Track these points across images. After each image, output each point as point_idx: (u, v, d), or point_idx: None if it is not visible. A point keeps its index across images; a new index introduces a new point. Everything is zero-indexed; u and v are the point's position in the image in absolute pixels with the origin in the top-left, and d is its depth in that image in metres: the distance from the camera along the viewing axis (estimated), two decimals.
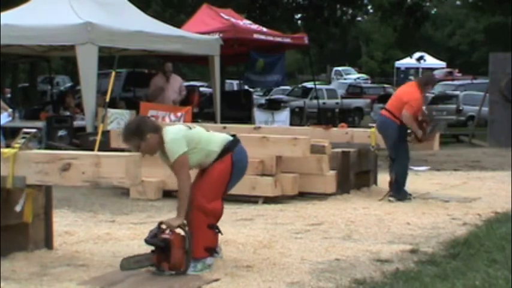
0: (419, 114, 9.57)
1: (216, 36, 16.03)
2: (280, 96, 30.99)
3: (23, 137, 5.74)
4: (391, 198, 9.49)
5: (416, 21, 28.14)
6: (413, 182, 10.39)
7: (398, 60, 51.12)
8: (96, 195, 9.60)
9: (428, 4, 31.28)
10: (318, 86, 27.04)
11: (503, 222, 7.79)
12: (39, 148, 9.72)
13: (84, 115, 13.06)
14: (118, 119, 12.46)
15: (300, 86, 37.44)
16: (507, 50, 23.35)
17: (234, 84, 28.82)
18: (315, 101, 24.15)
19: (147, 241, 5.47)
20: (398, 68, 51.30)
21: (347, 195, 9.81)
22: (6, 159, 5.57)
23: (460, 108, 26.11)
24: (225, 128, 10.56)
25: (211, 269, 5.62)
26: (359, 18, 47.55)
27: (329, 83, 44.53)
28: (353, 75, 51.00)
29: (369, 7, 35.66)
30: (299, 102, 28.76)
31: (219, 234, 5.86)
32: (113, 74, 13.41)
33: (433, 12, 43.77)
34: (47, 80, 25.45)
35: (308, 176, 9.49)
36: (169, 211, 7.94)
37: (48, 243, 6.20)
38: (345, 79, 47.60)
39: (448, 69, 48.98)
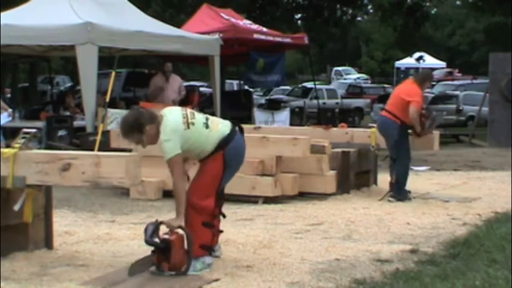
0: (422, 109, 9.55)
1: (216, 36, 16.04)
2: (280, 96, 30.99)
3: (23, 137, 5.74)
4: (391, 199, 9.49)
5: (416, 21, 28.16)
6: (414, 182, 10.39)
7: (398, 60, 51.12)
8: (96, 195, 9.60)
9: (428, 4, 31.31)
10: (318, 86, 27.03)
11: (503, 222, 7.79)
12: (39, 148, 9.71)
13: (84, 115, 13.06)
14: (118, 119, 12.44)
15: (300, 86, 37.44)
16: (507, 50, 23.35)
17: (234, 84, 28.82)
18: (315, 101, 24.15)
19: (147, 242, 5.47)
20: (398, 68, 51.28)
21: (347, 195, 9.81)
22: (6, 159, 5.57)
23: (460, 108, 26.12)
24: None
25: (210, 268, 5.62)
26: (359, 18, 47.61)
27: (329, 83, 44.53)
28: (353, 75, 51.01)
29: (369, 7, 35.69)
30: (299, 102, 28.75)
31: (219, 233, 5.86)
32: (113, 74, 13.42)
33: (433, 12, 43.80)
34: (47, 80, 25.45)
35: (308, 176, 9.48)
36: (169, 211, 7.93)
37: (48, 243, 6.20)
38: (345, 79, 47.60)
39: (448, 69, 49.00)
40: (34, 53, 16.39)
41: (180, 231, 5.51)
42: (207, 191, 5.64)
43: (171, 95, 14.22)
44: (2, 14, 13.37)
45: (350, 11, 31.75)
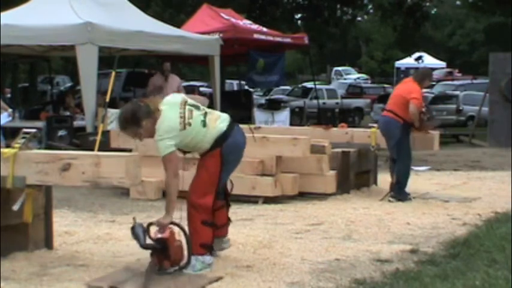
0: (422, 106, 9.54)
1: (216, 36, 16.04)
2: (280, 96, 30.99)
3: (23, 137, 5.74)
4: (391, 199, 9.49)
5: (416, 21, 28.17)
6: (414, 182, 10.38)
7: (398, 60, 51.12)
8: (96, 195, 9.60)
9: (428, 4, 31.34)
10: (318, 86, 27.03)
11: (503, 222, 7.78)
12: (39, 148, 9.71)
13: (84, 115, 13.07)
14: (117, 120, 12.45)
15: (300, 86, 37.44)
16: (507, 50, 23.35)
17: (234, 84, 28.82)
18: (315, 101, 24.14)
19: (144, 246, 5.47)
20: (398, 68, 51.25)
21: (347, 195, 9.81)
22: (6, 159, 5.57)
23: (460, 108, 26.12)
24: None
25: (211, 268, 5.62)
26: (359, 18, 47.60)
27: (329, 83, 44.54)
28: (353, 75, 51.00)
29: (369, 7, 35.71)
30: (299, 102, 28.74)
31: (228, 223, 5.94)
32: (113, 74, 13.41)
33: (433, 12, 43.87)
34: (47, 80, 25.45)
35: (308, 176, 9.48)
36: None
37: (48, 243, 6.20)
38: (345, 79, 47.60)
39: (448, 69, 48.97)
40: (34, 53, 16.39)
41: (172, 226, 5.51)
42: (205, 188, 5.63)
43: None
44: (2, 14, 13.37)
45: (350, 11, 31.76)
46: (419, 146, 10.12)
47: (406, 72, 48.47)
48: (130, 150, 7.96)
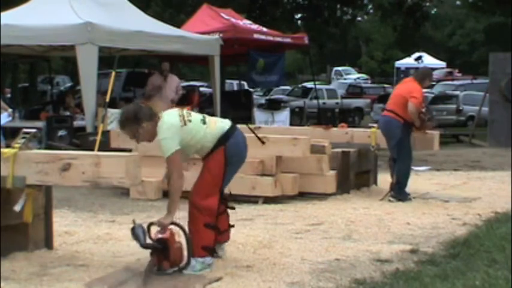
0: (421, 106, 9.54)
1: (216, 36, 16.03)
2: (280, 96, 30.98)
3: (23, 137, 5.74)
4: (391, 199, 9.49)
5: (416, 21, 28.17)
6: (414, 182, 10.38)
7: (398, 60, 51.12)
8: (96, 195, 9.60)
9: (428, 4, 31.35)
10: (318, 86, 27.02)
11: (503, 222, 7.79)
12: (39, 148, 9.71)
13: (84, 115, 13.06)
14: (118, 119, 12.45)
15: (300, 86, 37.43)
16: (507, 50, 23.35)
17: (234, 84, 28.82)
18: (315, 101, 24.14)
19: (144, 246, 5.48)
20: (398, 68, 51.24)
21: (347, 195, 9.81)
22: (6, 159, 5.57)
23: (460, 108, 26.12)
24: None
25: (211, 268, 5.62)
26: (359, 18, 47.63)
27: (329, 83, 44.52)
28: (353, 75, 50.98)
29: (369, 7, 35.71)
30: (299, 102, 28.74)
31: (230, 228, 5.94)
32: (113, 74, 13.41)
33: (433, 12, 43.87)
34: (47, 80, 25.43)
35: (308, 176, 9.48)
36: None
37: (48, 243, 6.20)
38: (345, 79, 47.59)
39: (448, 69, 48.95)
40: (34, 53, 16.38)
41: (173, 227, 5.51)
42: (209, 190, 5.63)
43: (169, 94, 14.21)
44: (2, 14, 13.36)
45: (350, 11, 31.77)
46: (420, 146, 10.12)
47: (406, 72, 48.47)
48: (130, 150, 7.95)
